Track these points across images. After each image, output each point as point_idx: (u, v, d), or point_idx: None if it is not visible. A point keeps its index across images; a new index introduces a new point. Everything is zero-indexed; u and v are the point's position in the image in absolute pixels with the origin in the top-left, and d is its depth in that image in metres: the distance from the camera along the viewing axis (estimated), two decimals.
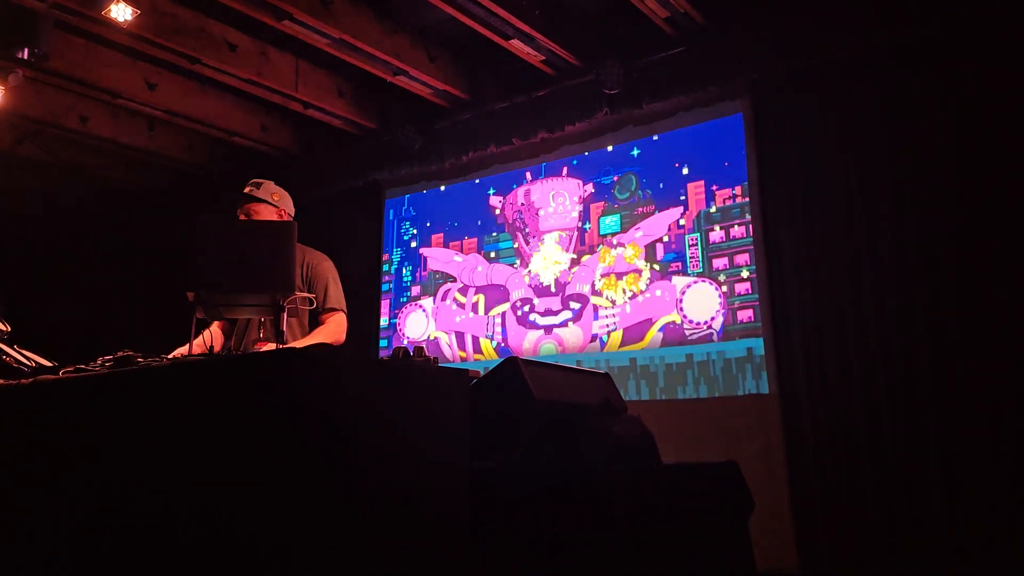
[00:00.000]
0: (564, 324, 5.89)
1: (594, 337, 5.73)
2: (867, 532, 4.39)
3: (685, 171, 5.56)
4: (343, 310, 3.28)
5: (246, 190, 3.22)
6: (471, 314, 6.42)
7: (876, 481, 4.40)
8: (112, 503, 2.00)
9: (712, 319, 5.23)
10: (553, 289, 5.99)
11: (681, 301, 5.39)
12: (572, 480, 2.20)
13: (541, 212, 6.20)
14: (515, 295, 6.18)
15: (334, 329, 3.21)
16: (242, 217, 3.18)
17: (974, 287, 4.26)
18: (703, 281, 5.31)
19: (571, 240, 6.00)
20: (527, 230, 6.24)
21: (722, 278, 5.23)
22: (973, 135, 4.37)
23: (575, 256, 5.95)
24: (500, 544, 2.13)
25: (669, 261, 5.49)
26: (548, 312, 5.98)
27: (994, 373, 4.14)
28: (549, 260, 6.06)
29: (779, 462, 4.77)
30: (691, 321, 5.32)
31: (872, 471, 4.42)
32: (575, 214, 6.03)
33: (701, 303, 5.30)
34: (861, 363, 4.56)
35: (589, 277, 5.84)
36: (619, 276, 5.69)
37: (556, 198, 6.14)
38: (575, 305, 5.86)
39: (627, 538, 2.15)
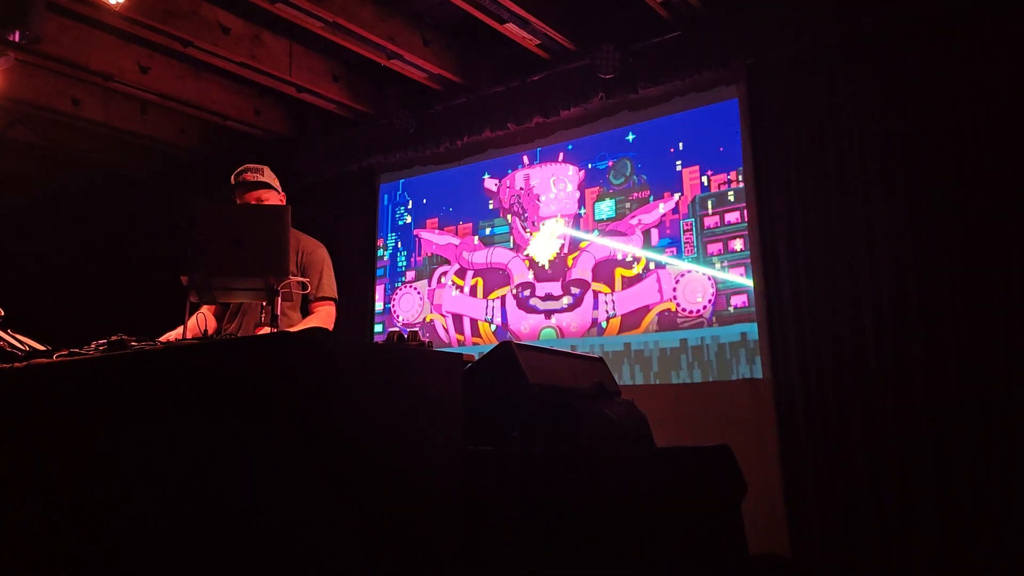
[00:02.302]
0: (564, 309, 5.89)
1: (594, 322, 5.74)
2: (858, 515, 4.43)
3: (680, 157, 5.55)
4: (334, 299, 3.29)
5: (248, 176, 3.17)
6: (469, 297, 6.42)
7: (868, 465, 4.44)
8: (107, 488, 2.01)
9: (704, 308, 5.25)
10: (549, 270, 5.99)
11: (675, 290, 5.40)
12: (566, 464, 2.21)
13: (542, 198, 6.18)
14: (516, 279, 6.18)
15: (323, 318, 3.22)
16: (253, 203, 3.16)
17: (969, 272, 4.28)
18: (696, 271, 5.32)
19: (569, 226, 5.99)
20: (526, 215, 6.23)
21: (716, 263, 5.24)
22: (972, 120, 4.36)
23: (574, 242, 5.94)
24: (495, 527, 2.14)
25: (664, 247, 5.50)
26: (549, 297, 5.99)
27: (987, 358, 4.17)
28: (548, 245, 6.05)
29: (772, 446, 4.80)
30: (684, 309, 5.34)
31: (864, 455, 4.46)
32: (574, 199, 6.02)
33: (694, 292, 5.32)
34: (855, 348, 4.58)
35: (589, 263, 5.83)
36: (617, 263, 5.69)
37: (557, 184, 6.12)
38: (575, 290, 5.86)
39: (621, 521, 2.16)
